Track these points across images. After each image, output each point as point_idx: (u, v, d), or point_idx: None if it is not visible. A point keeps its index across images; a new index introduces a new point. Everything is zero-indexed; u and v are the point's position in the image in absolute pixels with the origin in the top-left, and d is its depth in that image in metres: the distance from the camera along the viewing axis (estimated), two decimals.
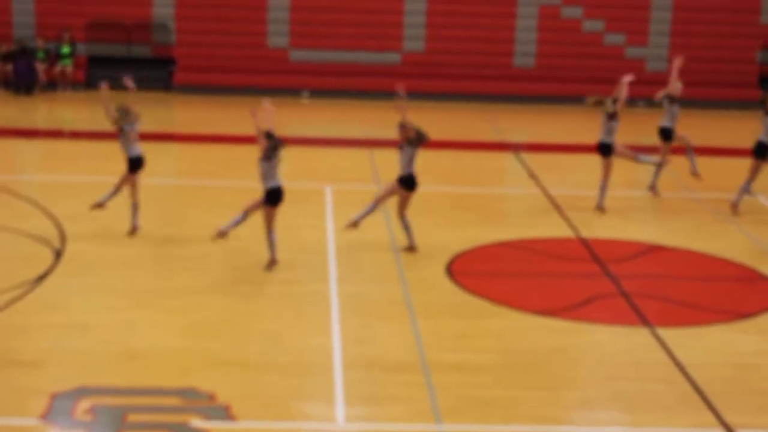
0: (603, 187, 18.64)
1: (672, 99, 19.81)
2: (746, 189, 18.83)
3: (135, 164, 16.50)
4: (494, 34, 31.26)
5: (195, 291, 14.21)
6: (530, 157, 22.94)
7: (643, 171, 23.17)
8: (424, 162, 23.24)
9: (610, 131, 18.64)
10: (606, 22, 31.26)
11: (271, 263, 15.14)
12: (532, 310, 13.90)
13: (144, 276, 14.74)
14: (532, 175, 20.33)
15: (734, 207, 18.71)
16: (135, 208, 16.61)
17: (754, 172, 18.79)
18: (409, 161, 15.81)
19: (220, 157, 22.41)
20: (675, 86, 19.84)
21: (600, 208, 18.59)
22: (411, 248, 16.01)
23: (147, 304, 13.63)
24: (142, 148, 16.58)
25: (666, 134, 19.84)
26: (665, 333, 13.21)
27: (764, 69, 31.68)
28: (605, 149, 18.65)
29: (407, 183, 15.81)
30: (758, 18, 31.56)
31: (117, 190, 16.67)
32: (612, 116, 18.55)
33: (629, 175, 22.50)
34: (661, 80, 30.86)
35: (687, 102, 30.51)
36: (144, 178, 17.06)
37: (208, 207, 18.40)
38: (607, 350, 12.76)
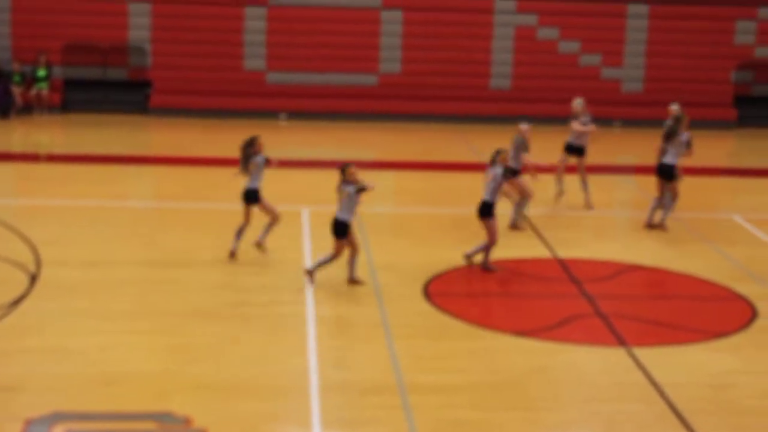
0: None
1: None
2: (660, 205, 18.94)
3: (246, 196, 16.70)
4: (470, 56, 31.36)
5: (172, 314, 14.15)
6: None
7: (621, 191, 23.26)
8: (402, 183, 23.33)
9: None
10: (582, 43, 31.42)
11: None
12: (510, 330, 13.91)
13: (120, 299, 14.68)
14: (508, 195, 20.35)
15: (649, 224, 18.79)
16: (239, 233, 16.71)
17: (662, 191, 18.91)
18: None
19: (197, 179, 22.38)
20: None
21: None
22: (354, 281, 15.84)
23: (124, 328, 13.57)
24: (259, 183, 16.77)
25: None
26: (642, 353, 13.24)
27: (739, 89, 31.87)
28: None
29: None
30: (732, 38, 31.77)
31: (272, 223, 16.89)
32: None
33: (606, 196, 22.57)
34: (637, 101, 31.09)
35: (662, 123, 30.71)
36: (121, 201, 17.03)
37: (185, 230, 18.35)
38: (584, 371, 12.77)
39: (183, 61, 30.62)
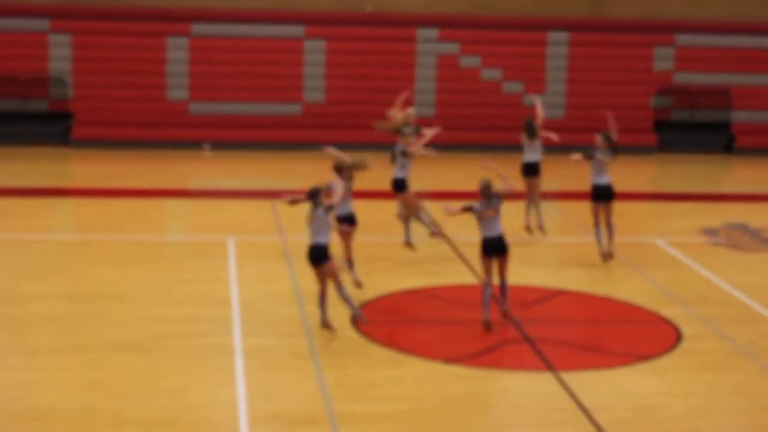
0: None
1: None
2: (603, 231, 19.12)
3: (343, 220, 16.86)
4: (394, 84, 31.41)
5: (95, 348, 13.96)
6: (433, 205, 23.04)
7: (545, 217, 23.41)
8: None
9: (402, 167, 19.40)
10: (504, 70, 31.65)
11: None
12: (439, 358, 13.91)
13: (42, 334, 14.45)
14: (436, 224, 20.42)
15: (605, 255, 18.71)
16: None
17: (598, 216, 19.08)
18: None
19: (120, 211, 22.14)
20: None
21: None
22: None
23: (46, 364, 13.36)
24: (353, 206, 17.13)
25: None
26: (570, 377, 13.31)
27: (659, 114, 32.31)
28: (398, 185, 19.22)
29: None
30: (651, 65, 32.20)
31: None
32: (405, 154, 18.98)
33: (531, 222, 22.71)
34: (559, 127, 31.38)
35: (586, 149, 31.02)
36: (42, 234, 16.80)
37: (107, 263, 18.13)
38: (512, 396, 12.81)
39: (105, 92, 30.33)
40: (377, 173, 27.50)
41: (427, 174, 27.92)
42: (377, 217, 21.17)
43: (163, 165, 27.78)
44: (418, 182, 26.05)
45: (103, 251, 18.95)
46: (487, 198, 15.28)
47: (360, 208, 22.93)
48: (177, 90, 30.66)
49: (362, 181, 26.31)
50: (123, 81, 30.44)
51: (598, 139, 18.82)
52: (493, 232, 15.20)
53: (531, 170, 20.65)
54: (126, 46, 30.62)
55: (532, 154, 20.63)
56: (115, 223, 21.03)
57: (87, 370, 13.21)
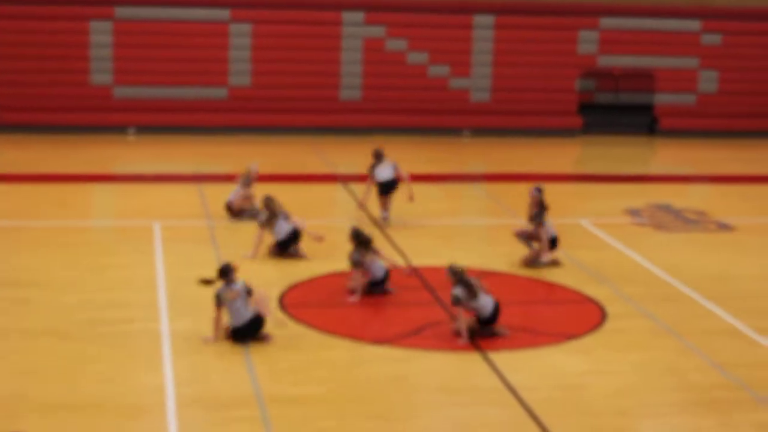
0: None
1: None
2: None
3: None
4: (320, 68, 31.39)
5: (23, 334, 13.81)
6: (359, 188, 23.07)
7: (470, 199, 23.56)
8: (258, 196, 23.17)
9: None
10: (430, 54, 31.72)
11: None
12: (366, 339, 13.95)
13: None
14: (362, 206, 20.45)
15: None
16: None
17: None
18: None
19: (45, 197, 21.89)
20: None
21: None
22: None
23: None
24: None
25: None
26: (497, 357, 13.41)
27: (583, 97, 32.61)
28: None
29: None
30: (575, 48, 32.46)
31: None
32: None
33: (456, 204, 22.85)
34: (485, 110, 31.55)
35: (512, 131, 31.28)
36: None
37: (34, 248, 17.93)
38: (441, 377, 12.88)
39: (27, 78, 29.93)
40: (307, 156, 27.49)
41: (354, 157, 27.94)
42: (308, 200, 21.14)
43: (88, 150, 27.50)
44: (345, 167, 26.11)
45: (29, 237, 18.73)
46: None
47: (293, 191, 22.94)
48: (100, 74, 30.33)
49: (295, 165, 26.29)
50: (45, 66, 30.06)
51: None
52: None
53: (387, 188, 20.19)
54: (49, 30, 30.24)
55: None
56: (40, 209, 20.79)
57: (14, 356, 13.06)
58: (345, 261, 17.39)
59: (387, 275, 15.78)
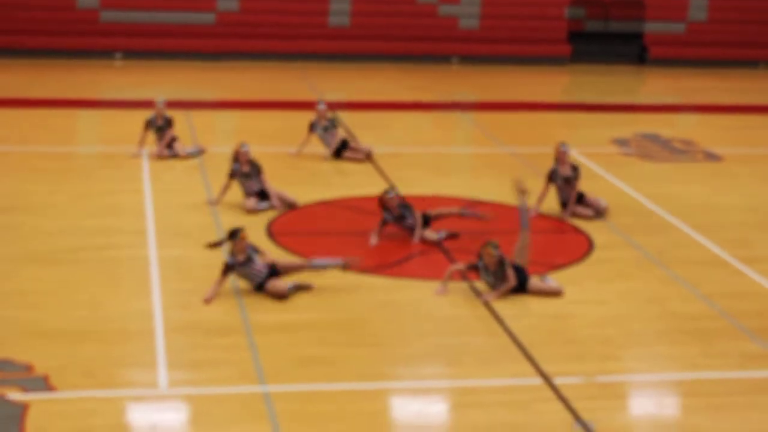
0: None
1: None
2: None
3: None
4: None
5: (6, 260, 13.81)
6: (348, 116, 23.00)
7: (459, 129, 23.53)
8: (244, 122, 23.14)
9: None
10: None
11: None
12: (354, 268, 13.97)
13: None
14: (351, 134, 20.39)
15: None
16: None
17: None
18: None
19: (28, 122, 21.76)
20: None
21: None
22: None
23: None
24: None
25: None
26: (484, 287, 13.45)
27: (572, 24, 32.43)
28: None
29: None
30: None
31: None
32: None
33: (445, 133, 22.81)
34: (474, 38, 31.37)
35: (500, 59, 31.13)
36: None
37: (19, 173, 17.86)
38: (428, 306, 12.93)
39: (12, 0, 29.63)
40: (295, 82, 27.36)
41: (342, 84, 27.84)
42: (296, 127, 21.06)
43: (74, 75, 27.31)
44: (333, 94, 26.00)
45: (13, 162, 18.66)
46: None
47: (280, 118, 22.88)
48: None
49: (282, 91, 26.18)
50: None
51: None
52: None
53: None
54: None
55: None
56: (25, 134, 20.68)
57: (0, 281, 13.06)
58: (330, 190, 17.41)
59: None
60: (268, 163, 18.79)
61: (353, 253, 14.39)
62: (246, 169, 16.34)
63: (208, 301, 12.64)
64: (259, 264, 13.00)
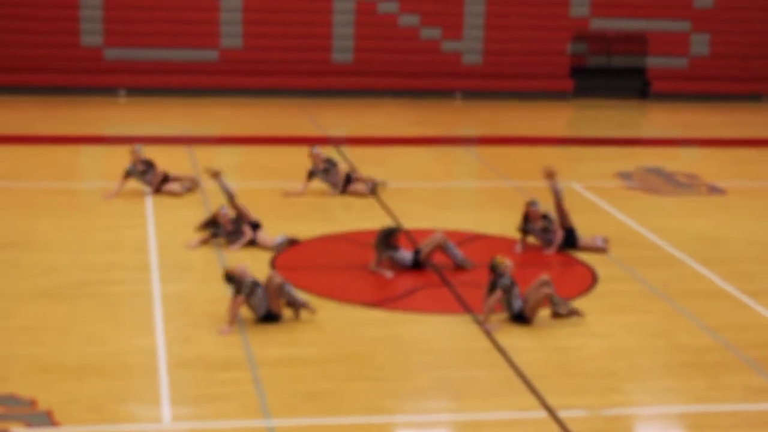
0: None
1: None
2: None
3: None
4: (312, 30, 31.26)
5: (13, 296, 13.80)
6: (351, 151, 23.05)
7: (462, 163, 23.57)
8: (247, 158, 23.18)
9: None
10: (421, 16, 31.59)
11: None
12: (357, 302, 13.96)
13: None
14: (354, 169, 20.42)
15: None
16: None
17: None
18: None
19: (35, 158, 21.81)
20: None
21: None
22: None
23: None
24: None
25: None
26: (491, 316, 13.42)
27: (575, 60, 32.53)
28: None
29: None
30: (567, 11, 32.35)
31: None
32: None
33: (448, 167, 22.84)
34: (477, 73, 31.48)
35: (503, 94, 31.21)
36: None
37: (24, 209, 17.89)
38: (432, 339, 12.91)
39: (17, 38, 29.77)
40: (298, 119, 27.43)
41: (345, 120, 27.92)
42: (299, 163, 21.08)
43: (78, 112, 27.39)
44: (336, 129, 26.06)
45: (17, 198, 18.69)
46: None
47: (283, 154, 22.90)
48: (91, 35, 30.18)
49: (286, 127, 26.23)
50: (36, 26, 29.89)
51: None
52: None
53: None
54: None
55: None
56: (30, 170, 20.72)
57: (5, 317, 13.06)
58: (334, 224, 17.45)
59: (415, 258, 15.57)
60: (271, 198, 18.88)
61: (358, 287, 14.41)
62: (229, 228, 16.25)
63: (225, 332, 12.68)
64: (261, 293, 12.98)
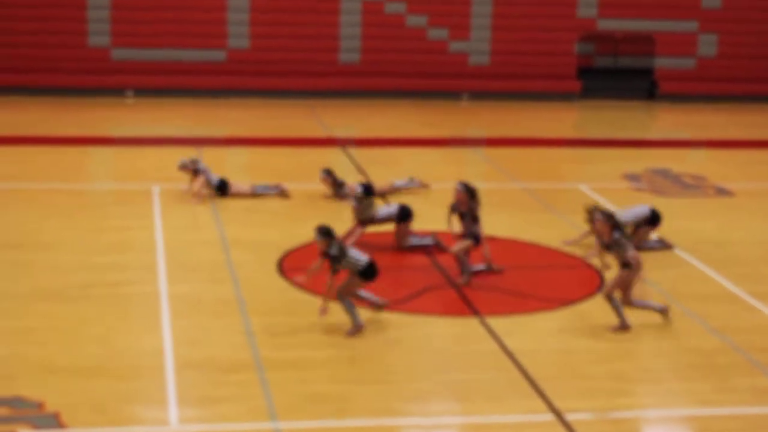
0: None
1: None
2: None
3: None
4: (319, 31, 31.28)
5: (21, 296, 13.82)
6: (358, 152, 23.06)
7: (470, 164, 23.56)
8: (254, 159, 23.19)
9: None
10: (429, 17, 31.59)
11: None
12: (365, 304, 13.95)
13: None
14: (361, 170, 20.42)
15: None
16: None
17: None
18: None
19: (43, 159, 21.83)
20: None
21: None
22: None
23: None
24: None
25: None
26: (494, 322, 13.44)
27: (582, 61, 32.50)
28: None
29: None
30: (575, 11, 32.33)
31: None
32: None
33: (456, 168, 22.82)
34: (484, 74, 31.47)
35: (510, 95, 31.20)
36: None
37: (32, 210, 17.91)
38: (439, 341, 12.91)
39: (24, 39, 29.82)
40: (305, 120, 27.44)
41: (353, 121, 27.93)
42: (306, 163, 21.12)
43: (86, 112, 27.42)
44: (343, 130, 26.07)
45: (25, 199, 18.71)
46: None
47: (290, 155, 22.92)
48: (98, 36, 30.22)
49: (293, 128, 26.25)
50: (42, 27, 29.93)
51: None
52: None
53: None
54: None
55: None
56: (38, 171, 20.75)
57: (12, 318, 13.08)
58: (341, 224, 17.39)
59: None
60: (273, 199, 18.87)
61: (366, 289, 14.39)
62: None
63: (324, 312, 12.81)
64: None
